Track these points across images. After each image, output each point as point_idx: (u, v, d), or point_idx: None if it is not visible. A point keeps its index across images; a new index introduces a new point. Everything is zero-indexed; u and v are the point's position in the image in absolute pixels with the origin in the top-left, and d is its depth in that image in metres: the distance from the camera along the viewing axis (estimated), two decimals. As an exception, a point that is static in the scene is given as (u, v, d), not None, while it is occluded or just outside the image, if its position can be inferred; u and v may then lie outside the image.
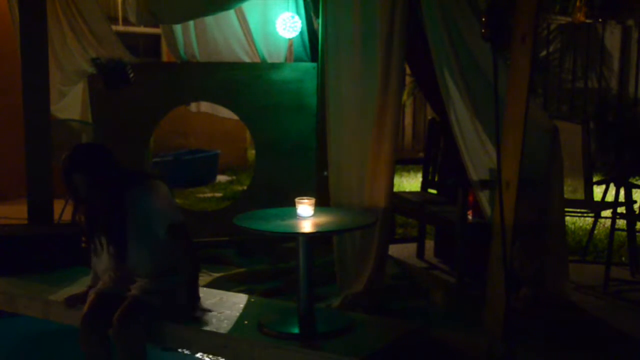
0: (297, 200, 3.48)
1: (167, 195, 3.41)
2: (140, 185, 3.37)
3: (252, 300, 3.93)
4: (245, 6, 5.41)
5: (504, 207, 3.34)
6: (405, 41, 3.99)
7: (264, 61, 5.63)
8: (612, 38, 10.34)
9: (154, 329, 3.42)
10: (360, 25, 4.06)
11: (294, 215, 3.48)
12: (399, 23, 3.95)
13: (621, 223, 5.12)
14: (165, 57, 9.43)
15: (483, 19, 3.28)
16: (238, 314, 3.63)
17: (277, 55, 5.69)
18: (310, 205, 3.47)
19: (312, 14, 5.52)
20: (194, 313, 3.49)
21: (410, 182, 8.98)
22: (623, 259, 5.15)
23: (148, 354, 3.31)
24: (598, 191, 5.52)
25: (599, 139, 9.91)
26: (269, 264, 4.98)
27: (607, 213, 5.11)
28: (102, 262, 3.45)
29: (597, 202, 5.27)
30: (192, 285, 3.50)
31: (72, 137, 5.66)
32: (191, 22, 5.48)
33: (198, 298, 3.57)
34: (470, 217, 4.43)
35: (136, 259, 3.39)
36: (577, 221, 6.26)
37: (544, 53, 10.35)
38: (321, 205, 3.81)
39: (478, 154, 3.92)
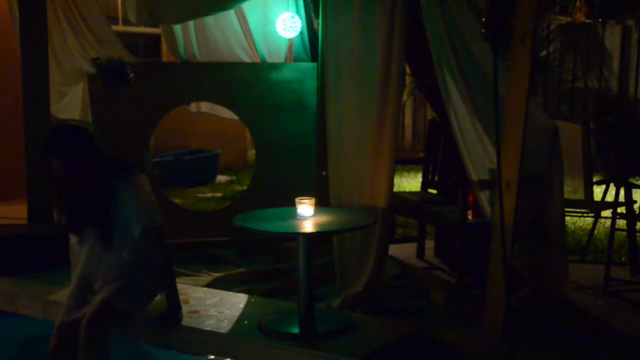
0: (297, 200, 3.49)
1: (150, 193, 3.29)
2: (125, 174, 3.24)
3: (252, 300, 3.93)
4: (245, 6, 5.41)
5: (504, 207, 3.33)
6: (405, 41, 3.99)
7: (264, 61, 5.63)
8: (612, 38, 10.33)
9: (154, 329, 3.42)
10: (360, 25, 4.06)
11: (294, 215, 3.48)
12: (399, 23, 3.95)
13: (621, 223, 5.12)
14: (165, 57, 9.43)
15: (483, 19, 3.28)
16: (238, 314, 3.63)
17: (277, 55, 5.69)
18: (310, 205, 3.47)
19: (312, 14, 5.52)
20: (175, 323, 3.44)
21: (410, 182, 8.98)
22: (623, 259, 5.15)
23: (148, 354, 3.31)
24: (598, 191, 5.52)
25: (599, 139, 9.91)
26: (269, 264, 4.98)
27: (607, 213, 5.11)
28: (79, 260, 3.35)
29: (597, 202, 5.27)
30: (171, 294, 3.42)
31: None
32: (191, 22, 5.48)
33: (179, 307, 3.46)
34: (470, 217, 4.43)
35: (114, 253, 3.25)
36: (577, 221, 6.26)
37: (544, 53, 10.35)
38: (321, 205, 3.81)
39: (478, 154, 3.92)
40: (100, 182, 3.18)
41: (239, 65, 5.57)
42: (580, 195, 5.10)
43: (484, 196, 3.94)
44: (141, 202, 3.23)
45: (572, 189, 5.08)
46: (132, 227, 3.22)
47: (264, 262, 5.03)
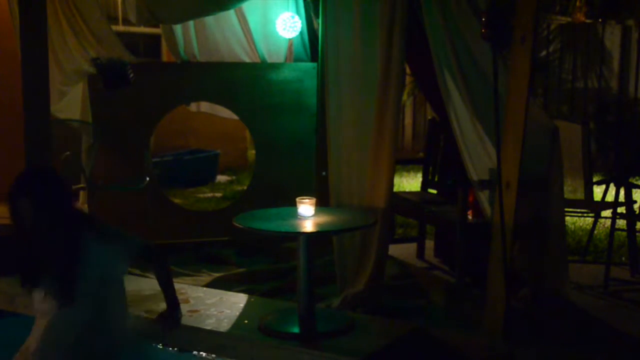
0: (298, 200, 3.49)
1: (117, 233, 3.08)
2: (91, 225, 2.99)
3: (252, 300, 3.94)
4: (245, 6, 5.41)
5: (504, 207, 3.34)
6: (406, 41, 3.99)
7: (264, 61, 5.63)
8: (612, 38, 10.33)
9: (155, 329, 3.42)
10: (360, 26, 4.06)
11: (294, 214, 3.49)
12: (399, 23, 3.95)
13: (621, 223, 5.12)
14: (165, 57, 9.43)
15: (483, 19, 3.28)
16: (238, 314, 3.63)
17: (277, 55, 5.69)
18: (311, 205, 3.47)
19: (312, 14, 5.52)
20: (175, 322, 3.31)
21: (410, 182, 8.97)
22: (623, 259, 5.15)
23: (148, 354, 3.31)
24: (598, 191, 5.51)
25: (599, 139, 9.91)
26: (269, 264, 4.98)
27: (607, 213, 5.11)
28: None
29: (597, 202, 5.27)
30: (169, 293, 3.31)
31: (72, 137, 5.67)
32: (191, 22, 5.48)
33: (178, 306, 3.32)
34: (470, 217, 4.43)
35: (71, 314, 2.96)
36: (577, 221, 6.26)
37: (544, 53, 10.35)
38: (321, 205, 3.81)
39: (478, 154, 3.92)
40: (68, 233, 2.92)
41: (239, 65, 5.57)
42: (580, 195, 5.09)
43: (484, 196, 3.94)
44: (114, 248, 3.01)
45: (572, 189, 5.08)
46: (104, 272, 2.98)
47: (264, 262, 5.03)
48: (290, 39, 5.65)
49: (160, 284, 3.32)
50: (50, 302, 2.95)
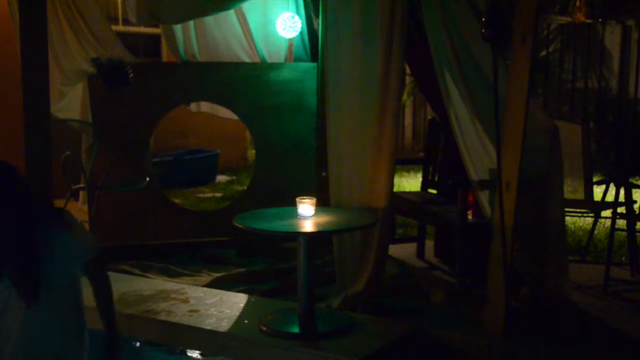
0: (298, 200, 3.49)
1: (82, 227, 2.91)
2: (52, 217, 2.76)
3: (252, 300, 3.94)
4: (245, 6, 5.41)
5: (504, 207, 3.34)
6: (405, 41, 3.99)
7: (264, 61, 5.63)
8: (612, 38, 10.33)
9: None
10: (360, 25, 4.06)
11: (294, 214, 3.49)
12: (399, 23, 3.95)
13: (621, 223, 5.12)
14: (165, 57, 9.42)
15: (483, 19, 3.28)
16: (238, 314, 3.64)
17: (277, 55, 5.69)
18: (311, 205, 3.47)
19: (312, 14, 5.52)
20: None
21: (410, 182, 8.97)
22: (623, 259, 5.15)
23: (147, 354, 3.30)
24: (598, 191, 5.52)
25: (599, 139, 9.91)
26: (269, 264, 4.98)
27: (607, 213, 5.11)
28: None
29: (597, 202, 5.27)
30: (113, 322, 2.88)
31: (72, 137, 5.67)
32: (191, 22, 5.48)
33: (119, 344, 2.86)
34: (470, 217, 4.43)
35: (42, 327, 2.68)
36: (577, 221, 6.26)
37: (544, 53, 10.35)
38: (321, 205, 3.81)
39: (478, 154, 3.92)
40: (26, 230, 2.68)
41: (239, 65, 5.57)
42: (580, 195, 5.10)
43: (484, 196, 3.94)
44: (79, 241, 2.82)
45: (572, 189, 5.08)
46: (69, 269, 2.77)
47: (264, 262, 5.03)
48: (290, 39, 5.65)
49: (101, 306, 2.87)
50: (13, 302, 2.68)
